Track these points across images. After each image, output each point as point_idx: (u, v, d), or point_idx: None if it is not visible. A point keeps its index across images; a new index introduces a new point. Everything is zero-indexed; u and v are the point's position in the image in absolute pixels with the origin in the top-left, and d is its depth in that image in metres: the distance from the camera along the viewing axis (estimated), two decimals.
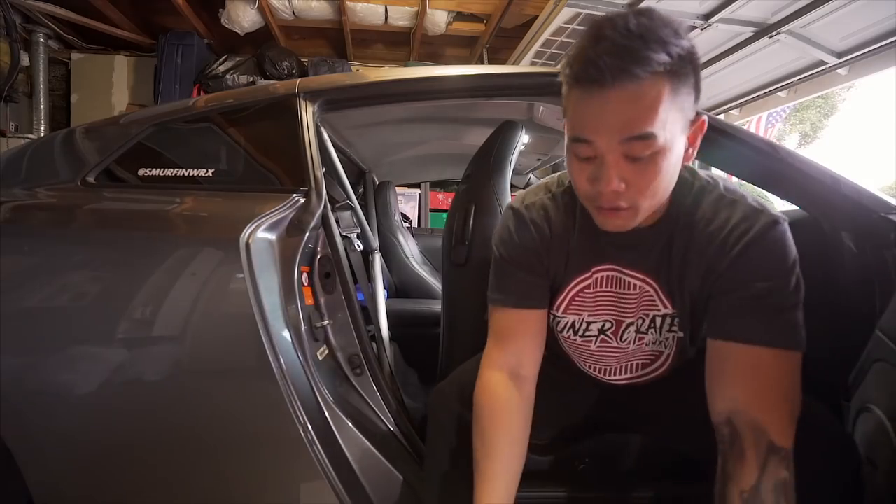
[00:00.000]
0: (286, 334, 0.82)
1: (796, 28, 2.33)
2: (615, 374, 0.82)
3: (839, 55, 2.43)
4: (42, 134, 3.38)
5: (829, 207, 0.94)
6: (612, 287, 0.75)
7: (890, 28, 2.14)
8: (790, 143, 8.66)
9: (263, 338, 0.80)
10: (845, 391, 0.87)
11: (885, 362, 0.76)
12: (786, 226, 0.65)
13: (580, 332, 0.78)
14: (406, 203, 3.81)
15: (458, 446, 0.78)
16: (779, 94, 2.95)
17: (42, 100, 3.40)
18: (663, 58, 0.55)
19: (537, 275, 0.77)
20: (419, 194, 3.86)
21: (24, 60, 3.21)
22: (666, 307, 0.73)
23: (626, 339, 0.77)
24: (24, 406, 0.84)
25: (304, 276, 0.89)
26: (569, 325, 0.78)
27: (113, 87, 3.61)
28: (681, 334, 0.74)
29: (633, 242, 0.71)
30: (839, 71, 2.52)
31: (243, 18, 3.23)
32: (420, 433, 0.95)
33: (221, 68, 3.41)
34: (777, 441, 0.59)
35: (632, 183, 0.60)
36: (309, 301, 0.89)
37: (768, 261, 0.64)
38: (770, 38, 2.40)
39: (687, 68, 0.58)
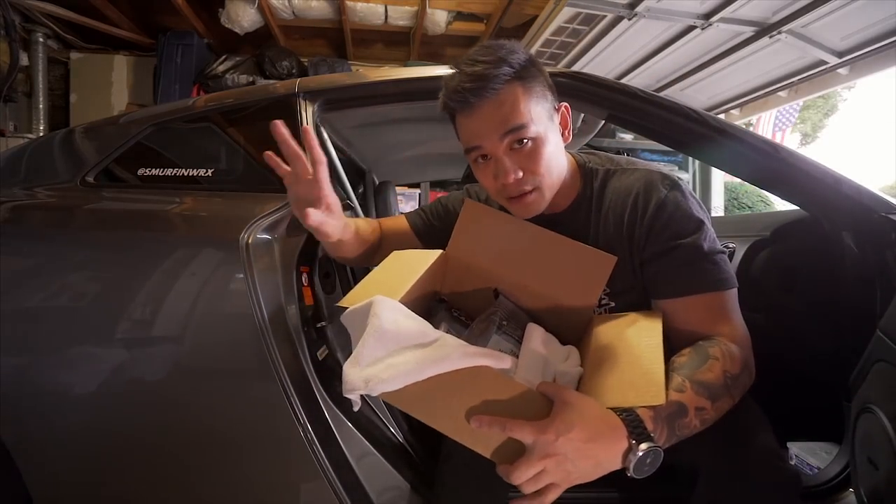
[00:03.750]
0: (286, 334, 0.82)
1: (797, 28, 2.33)
2: None
3: (840, 55, 2.43)
4: (41, 134, 3.37)
5: (830, 207, 0.94)
6: None
7: (890, 28, 2.15)
8: (791, 143, 8.66)
9: (263, 338, 0.80)
10: (846, 391, 0.87)
11: (885, 363, 0.76)
12: (685, 185, 0.76)
13: None
14: (406, 203, 3.81)
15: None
16: (779, 93, 2.96)
17: (41, 99, 3.40)
18: (507, 70, 0.69)
19: (444, 232, 0.87)
20: (419, 194, 3.86)
21: (24, 60, 3.20)
22: None
23: None
24: (23, 407, 0.84)
25: (304, 276, 0.89)
26: None
27: (112, 87, 3.60)
28: (612, 305, 0.80)
29: (553, 226, 0.79)
30: (840, 70, 2.52)
31: (243, 18, 3.23)
32: (420, 433, 0.95)
33: (221, 68, 3.40)
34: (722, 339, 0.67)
35: (526, 168, 0.72)
36: (309, 301, 0.89)
37: (678, 221, 0.72)
38: (770, 37, 2.40)
39: (531, 70, 0.72)
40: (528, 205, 0.75)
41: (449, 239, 0.83)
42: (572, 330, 0.77)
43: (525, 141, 0.71)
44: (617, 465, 0.54)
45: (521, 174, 0.72)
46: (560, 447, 0.52)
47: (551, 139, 0.73)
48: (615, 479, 0.57)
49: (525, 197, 0.74)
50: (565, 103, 0.78)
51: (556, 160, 0.74)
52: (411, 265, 0.75)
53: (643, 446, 0.53)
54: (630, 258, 0.76)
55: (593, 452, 0.53)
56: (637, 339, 0.67)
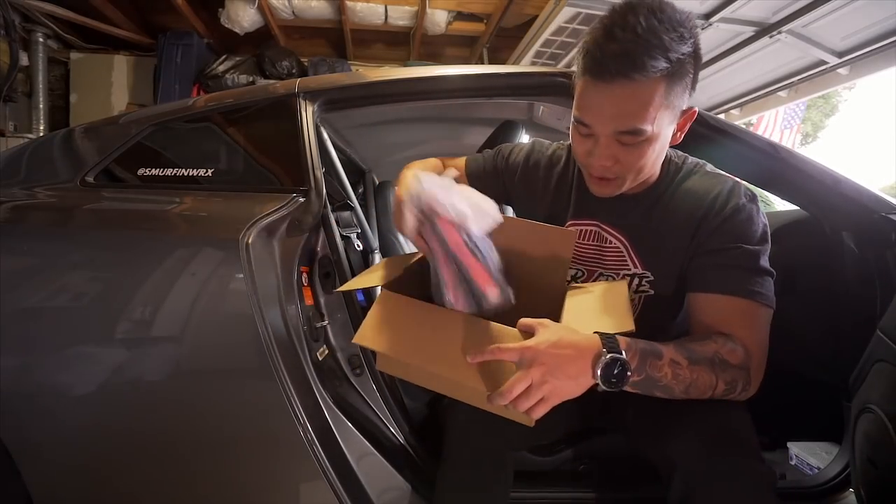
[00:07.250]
0: (286, 334, 0.82)
1: (797, 28, 2.33)
2: None
3: (840, 55, 2.43)
4: (41, 134, 3.37)
5: (830, 207, 0.94)
6: (593, 241, 0.84)
7: (890, 28, 2.14)
8: (792, 142, 8.66)
9: (263, 338, 0.80)
10: (846, 391, 0.87)
11: (885, 363, 0.76)
12: (759, 203, 0.76)
13: None
14: None
15: (477, 445, 0.78)
16: (779, 93, 2.95)
17: (41, 99, 3.40)
18: (662, 64, 0.62)
19: (497, 181, 0.93)
20: None
21: (24, 60, 3.20)
22: (636, 267, 0.81)
23: None
24: (23, 407, 0.84)
25: (304, 276, 0.89)
26: None
27: (112, 87, 3.61)
28: (651, 292, 0.81)
29: (618, 205, 0.80)
30: (840, 70, 2.52)
31: (243, 18, 3.23)
32: (420, 433, 0.95)
33: (221, 68, 3.41)
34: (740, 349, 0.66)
35: (621, 161, 0.70)
36: (309, 301, 0.89)
37: (747, 228, 0.72)
38: (771, 37, 2.40)
39: (686, 68, 0.65)
40: (605, 188, 0.75)
41: (498, 187, 0.91)
42: (550, 304, 0.81)
43: (635, 142, 0.67)
44: (590, 376, 0.59)
45: (612, 163, 0.70)
46: (543, 356, 0.57)
47: (661, 142, 0.70)
48: (602, 479, 0.58)
49: (605, 181, 0.74)
50: (696, 108, 0.73)
51: (654, 160, 0.73)
52: (400, 262, 0.82)
53: (611, 354, 0.58)
54: (685, 251, 0.76)
55: (571, 361, 0.58)
56: (606, 296, 0.74)
